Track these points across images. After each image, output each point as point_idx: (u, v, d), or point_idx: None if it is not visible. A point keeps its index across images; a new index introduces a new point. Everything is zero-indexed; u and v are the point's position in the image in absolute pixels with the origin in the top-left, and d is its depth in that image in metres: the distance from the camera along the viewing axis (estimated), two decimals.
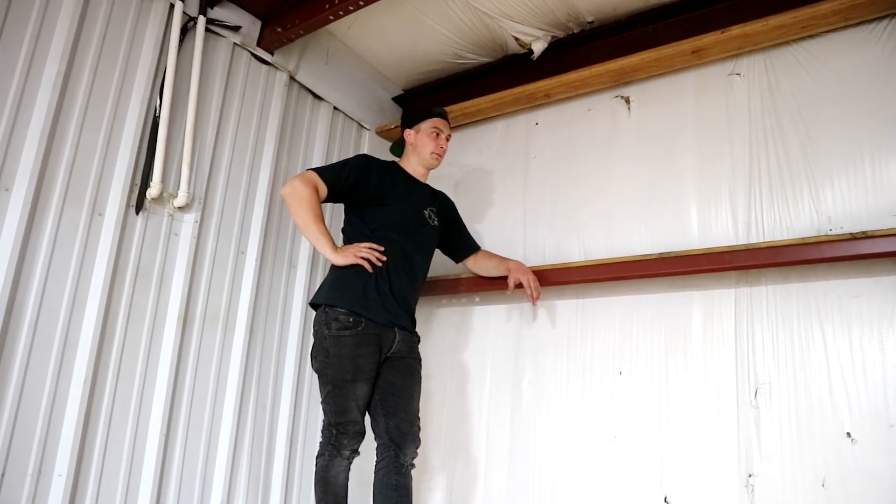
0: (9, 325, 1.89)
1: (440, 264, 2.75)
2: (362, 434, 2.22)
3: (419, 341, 2.40)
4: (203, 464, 2.40)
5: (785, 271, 2.23)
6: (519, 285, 2.54)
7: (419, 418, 2.30)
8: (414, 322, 2.38)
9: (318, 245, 2.22)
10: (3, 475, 1.83)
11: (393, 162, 2.54)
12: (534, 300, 2.54)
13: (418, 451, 2.26)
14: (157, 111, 2.34)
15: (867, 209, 2.14)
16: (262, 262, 2.71)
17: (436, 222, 2.49)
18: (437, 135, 2.46)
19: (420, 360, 2.39)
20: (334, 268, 2.27)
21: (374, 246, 2.24)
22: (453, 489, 2.84)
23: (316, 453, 2.24)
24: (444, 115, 2.52)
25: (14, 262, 1.90)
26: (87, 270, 2.10)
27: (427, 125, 2.48)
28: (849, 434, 2.02)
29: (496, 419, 2.82)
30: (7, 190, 1.92)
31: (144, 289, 2.28)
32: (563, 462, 2.57)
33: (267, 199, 2.73)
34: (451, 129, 3.17)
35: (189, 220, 2.43)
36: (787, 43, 2.43)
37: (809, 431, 2.09)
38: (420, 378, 2.36)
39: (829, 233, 2.15)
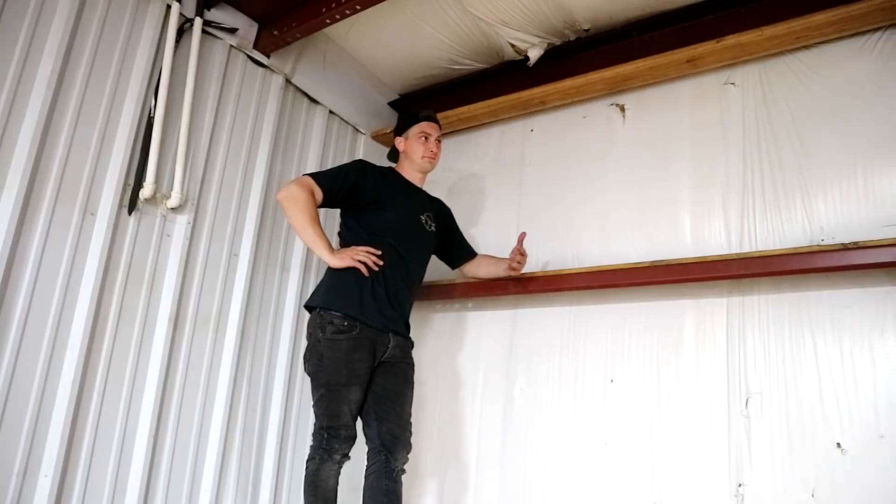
0: None
1: (434, 270, 2.74)
2: (354, 438, 2.21)
3: (413, 346, 2.40)
4: (192, 466, 2.38)
5: (777, 281, 2.24)
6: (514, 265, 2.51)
7: (411, 424, 2.29)
8: (408, 327, 2.38)
9: (314, 247, 2.22)
10: None
11: (390, 167, 2.54)
12: (515, 264, 2.49)
13: (409, 456, 2.25)
14: (152, 111, 2.34)
15: (859, 220, 2.15)
16: (255, 264, 2.70)
17: (433, 228, 2.49)
18: (426, 138, 2.47)
19: (413, 365, 2.38)
20: (330, 270, 2.26)
21: (372, 249, 2.23)
22: (444, 494, 2.83)
23: (306, 457, 2.22)
24: (431, 118, 2.53)
25: (4, 261, 1.88)
26: (77, 270, 2.09)
27: (415, 130, 2.49)
28: (839, 445, 2.02)
29: (488, 425, 2.81)
30: None
31: (136, 289, 2.26)
32: (554, 469, 2.56)
33: (261, 202, 2.73)
34: (447, 134, 3.18)
35: (182, 222, 2.42)
36: (782, 53, 2.44)
37: (800, 442, 2.09)
38: (413, 383, 2.36)
39: (822, 243, 2.16)
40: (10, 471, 1.87)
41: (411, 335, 2.39)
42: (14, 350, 1.91)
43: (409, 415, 2.30)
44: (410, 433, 2.27)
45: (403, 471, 2.22)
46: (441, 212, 2.64)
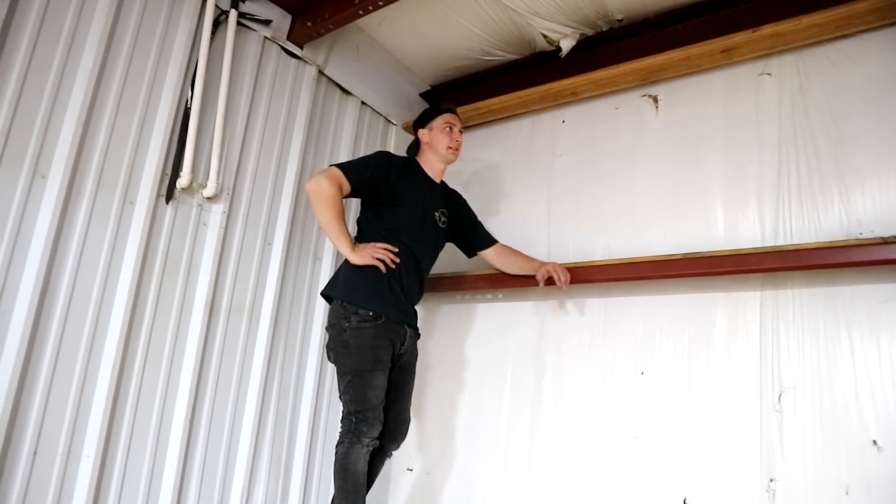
0: (42, 309, 1.94)
1: (474, 261, 2.76)
2: (382, 422, 2.25)
3: (419, 337, 2.50)
4: (226, 449, 2.44)
5: (811, 275, 2.20)
6: (548, 280, 2.53)
7: (409, 415, 2.45)
8: (417, 319, 2.48)
9: (338, 244, 2.27)
10: (35, 454, 1.89)
11: (412, 159, 2.56)
12: (562, 283, 2.50)
13: (400, 445, 2.44)
14: (189, 102, 2.38)
15: None
16: (288, 253, 2.74)
17: (444, 224, 2.53)
18: (451, 129, 2.51)
19: (417, 355, 2.50)
20: (349, 263, 2.30)
21: (390, 247, 2.28)
22: (473, 485, 2.85)
23: (336, 441, 2.27)
24: (453, 111, 2.58)
25: (49, 248, 1.94)
26: (117, 258, 2.15)
27: (439, 122, 2.52)
28: (875, 442, 1.99)
29: (517, 415, 2.82)
30: (43, 177, 1.97)
31: (172, 277, 2.32)
32: (583, 460, 2.56)
33: (294, 192, 2.77)
34: (477, 125, 3.19)
35: (217, 211, 2.47)
36: (819, 43, 2.39)
37: (834, 438, 2.06)
38: (414, 372, 2.48)
39: (859, 236, 2.12)
40: (55, 451, 1.94)
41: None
42: (58, 335, 1.97)
43: (409, 403, 2.47)
44: (407, 425, 2.44)
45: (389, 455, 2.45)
46: (456, 205, 2.68)
